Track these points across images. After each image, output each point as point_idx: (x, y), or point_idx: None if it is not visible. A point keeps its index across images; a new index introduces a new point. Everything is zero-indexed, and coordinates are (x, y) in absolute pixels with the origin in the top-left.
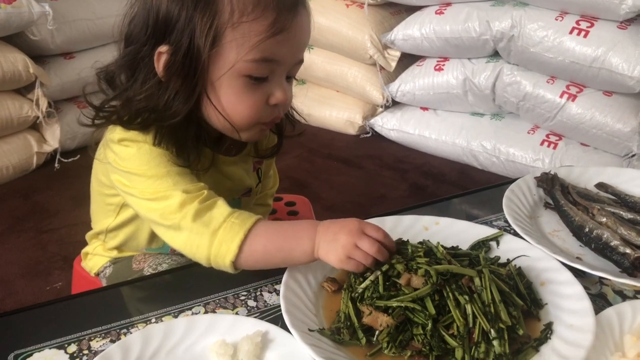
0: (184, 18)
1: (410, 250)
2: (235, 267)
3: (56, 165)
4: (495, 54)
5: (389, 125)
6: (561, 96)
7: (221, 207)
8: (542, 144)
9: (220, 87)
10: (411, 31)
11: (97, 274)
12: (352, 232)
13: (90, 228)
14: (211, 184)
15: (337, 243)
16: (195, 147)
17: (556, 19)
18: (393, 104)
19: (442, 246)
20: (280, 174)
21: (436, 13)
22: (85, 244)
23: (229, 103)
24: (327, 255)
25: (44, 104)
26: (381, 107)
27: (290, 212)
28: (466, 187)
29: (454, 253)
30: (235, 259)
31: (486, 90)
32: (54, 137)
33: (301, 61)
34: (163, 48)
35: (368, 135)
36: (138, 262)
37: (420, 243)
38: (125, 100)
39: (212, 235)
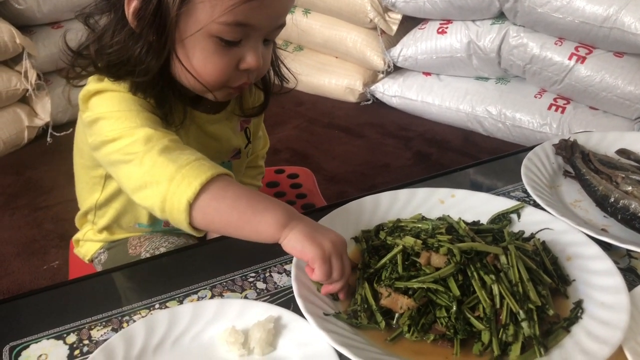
0: None
1: (430, 227)
2: (191, 213)
3: (48, 139)
4: (501, 16)
5: (390, 91)
6: (570, 58)
7: (194, 151)
8: (549, 108)
9: (190, 46)
10: None
11: (92, 261)
12: (343, 244)
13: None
14: (197, 146)
15: (327, 239)
16: (171, 102)
17: None
18: (394, 69)
19: (464, 221)
20: (280, 144)
21: None
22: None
23: (198, 63)
24: (307, 241)
25: (32, 76)
26: (382, 73)
27: (293, 184)
28: (472, 154)
29: (477, 229)
30: (194, 201)
31: (491, 54)
32: (44, 111)
33: (282, 25)
34: None
35: (369, 102)
36: (134, 246)
37: (439, 219)
38: (99, 47)
39: (177, 169)
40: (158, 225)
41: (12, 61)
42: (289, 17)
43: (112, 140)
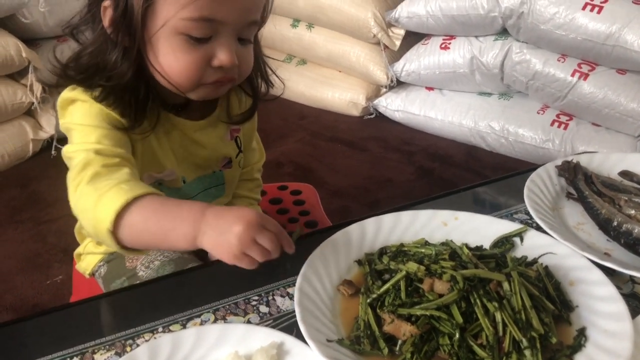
0: None
1: (433, 252)
2: (116, 238)
3: (52, 152)
4: (504, 32)
5: (393, 106)
6: (572, 75)
7: (120, 173)
8: (552, 124)
9: (157, 45)
10: (416, 8)
11: (92, 274)
12: (252, 225)
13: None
14: (183, 153)
15: (231, 235)
16: (144, 107)
17: None
18: (397, 84)
19: (467, 247)
20: (283, 158)
21: None
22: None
23: (167, 62)
24: (216, 248)
25: (38, 89)
26: (385, 87)
27: (297, 201)
28: (474, 169)
29: (480, 254)
30: (114, 228)
31: (494, 69)
32: (49, 123)
33: (255, 22)
34: (106, 2)
35: (372, 116)
36: (131, 259)
37: (443, 244)
38: (75, 55)
39: (98, 198)
40: None
41: (18, 74)
42: (292, 31)
43: (67, 159)
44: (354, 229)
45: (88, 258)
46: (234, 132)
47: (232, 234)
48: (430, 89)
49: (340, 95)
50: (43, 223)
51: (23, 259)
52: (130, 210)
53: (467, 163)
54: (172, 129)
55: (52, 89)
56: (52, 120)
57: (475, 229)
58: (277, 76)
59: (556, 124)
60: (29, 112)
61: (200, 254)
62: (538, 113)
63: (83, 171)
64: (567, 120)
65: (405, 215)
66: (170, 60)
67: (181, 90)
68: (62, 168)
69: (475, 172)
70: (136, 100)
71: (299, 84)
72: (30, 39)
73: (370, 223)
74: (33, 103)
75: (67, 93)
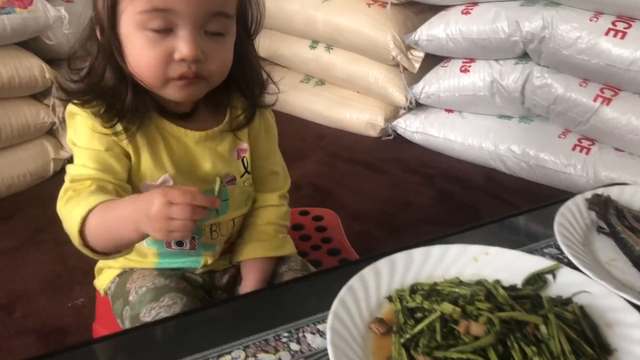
0: None
1: (468, 293)
2: (89, 248)
3: None
4: (524, 56)
5: (412, 127)
6: (595, 100)
7: (86, 193)
8: (573, 148)
9: (126, 43)
10: (436, 31)
11: (106, 292)
12: (159, 207)
13: None
14: (183, 163)
15: (152, 222)
16: (131, 110)
17: (590, 20)
18: (416, 105)
19: (501, 286)
20: (302, 180)
21: (462, 13)
22: None
23: (133, 59)
24: (153, 235)
25: (60, 109)
26: (404, 109)
27: (318, 227)
28: (495, 193)
29: (515, 295)
30: (83, 240)
31: (515, 93)
32: None
33: (220, 13)
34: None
35: (390, 137)
36: (132, 280)
37: (477, 283)
38: (72, 71)
39: (69, 217)
40: (160, 243)
41: (40, 94)
42: (311, 53)
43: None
44: (383, 264)
45: (106, 273)
46: (240, 151)
47: (152, 222)
48: (449, 111)
49: (359, 116)
50: (63, 244)
51: (44, 280)
52: (87, 222)
53: (488, 186)
54: (170, 136)
55: None
56: None
57: (507, 265)
58: (272, 81)
59: (578, 148)
60: (50, 132)
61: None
62: (559, 137)
63: (64, 195)
64: (589, 145)
65: (435, 250)
66: (136, 56)
67: (152, 87)
68: None
69: (495, 196)
70: (122, 103)
71: (316, 105)
72: (53, 59)
73: (399, 258)
74: (55, 123)
75: (70, 106)
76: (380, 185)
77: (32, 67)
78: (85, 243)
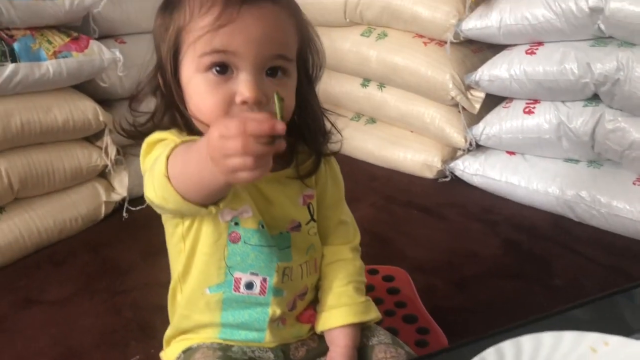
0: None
1: None
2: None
3: (124, 214)
4: (594, 97)
5: (471, 169)
6: None
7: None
8: None
9: (186, 89)
10: (498, 71)
11: None
12: (214, 143)
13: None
14: (261, 201)
15: (213, 163)
16: None
17: None
18: (476, 146)
19: None
20: (358, 226)
21: (527, 53)
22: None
23: (194, 104)
24: (221, 177)
25: (112, 151)
26: (463, 150)
27: (390, 289)
28: (565, 243)
29: None
30: (168, 174)
31: (584, 137)
32: (122, 185)
33: (280, 56)
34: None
35: (447, 179)
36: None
37: None
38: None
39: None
40: (228, 286)
41: (93, 136)
42: (363, 91)
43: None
44: (490, 354)
45: (173, 346)
46: (307, 197)
47: (213, 160)
48: (511, 153)
49: (413, 157)
50: (117, 294)
51: (98, 334)
52: (170, 164)
53: (557, 235)
54: None
55: (125, 151)
56: (125, 181)
57: (629, 357)
58: (335, 128)
59: None
60: (102, 174)
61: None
62: (634, 184)
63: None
64: None
65: (547, 338)
66: (197, 101)
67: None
68: (134, 232)
69: (566, 247)
70: None
71: (367, 143)
72: (105, 100)
73: (507, 346)
74: (107, 165)
75: (156, 135)
76: (441, 233)
77: (86, 110)
78: (175, 189)
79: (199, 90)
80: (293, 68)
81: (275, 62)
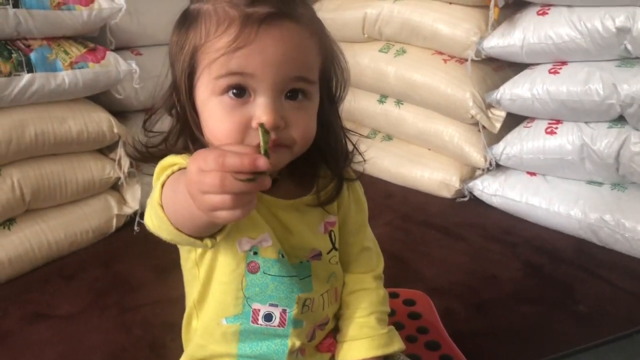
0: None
1: None
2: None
3: (135, 228)
4: (620, 119)
5: (490, 189)
6: None
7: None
8: None
9: (202, 112)
10: (520, 91)
11: None
12: (192, 177)
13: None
14: (280, 229)
15: (192, 198)
16: None
17: None
18: (495, 166)
19: None
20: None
21: (550, 72)
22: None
23: (209, 128)
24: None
25: (126, 164)
26: (482, 170)
27: (411, 314)
28: (588, 268)
29: None
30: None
31: (608, 159)
32: (134, 199)
33: (301, 78)
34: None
35: (465, 199)
36: None
37: None
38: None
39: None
40: (245, 318)
41: (106, 149)
42: (379, 107)
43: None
44: None
45: None
46: (328, 225)
47: (191, 196)
48: (532, 173)
49: (431, 175)
50: (127, 311)
51: (108, 352)
52: (166, 185)
53: (579, 260)
54: (259, 202)
55: (139, 164)
56: (137, 195)
57: None
58: (358, 151)
59: None
60: (114, 187)
61: None
62: None
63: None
64: None
65: None
66: (212, 125)
67: None
68: (145, 247)
69: (589, 272)
70: None
71: (383, 161)
72: (120, 112)
73: None
74: (120, 178)
75: (169, 159)
76: (460, 254)
77: (100, 122)
78: (168, 219)
79: (214, 114)
80: (315, 90)
81: (295, 84)
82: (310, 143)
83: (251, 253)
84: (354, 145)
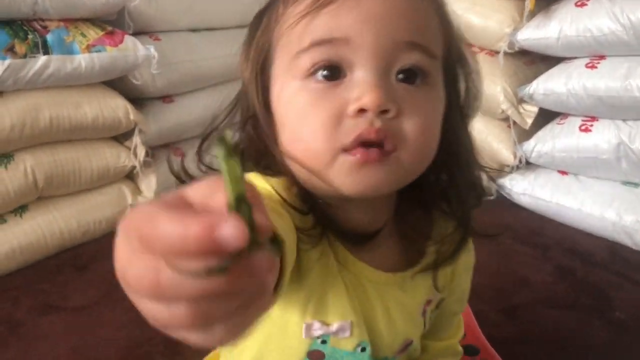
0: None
1: None
2: None
3: None
4: None
5: (518, 188)
6: None
7: None
8: None
9: (279, 114)
10: (554, 85)
11: None
12: (140, 272)
13: None
14: (365, 314)
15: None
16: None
17: None
18: (525, 164)
19: None
20: None
21: (587, 66)
22: None
23: (290, 133)
24: None
25: (141, 152)
26: (512, 168)
27: None
28: (623, 273)
29: None
30: None
31: None
32: (149, 188)
33: (415, 45)
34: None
35: (492, 197)
36: None
37: None
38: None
39: None
40: None
41: (121, 136)
42: None
43: None
44: None
45: None
46: (427, 303)
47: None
48: (563, 172)
49: None
50: None
51: (123, 347)
52: None
53: (613, 264)
54: (343, 268)
55: (155, 152)
56: (153, 184)
57: None
58: (494, 182)
59: None
60: (129, 176)
61: None
62: None
63: None
64: None
65: None
66: (294, 125)
67: (316, 169)
68: None
69: (624, 276)
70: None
71: None
72: (136, 99)
73: None
74: (135, 166)
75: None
76: (488, 256)
77: (117, 108)
78: None
79: (296, 105)
80: (437, 74)
81: (409, 56)
82: (428, 156)
83: (318, 341)
84: (490, 177)
